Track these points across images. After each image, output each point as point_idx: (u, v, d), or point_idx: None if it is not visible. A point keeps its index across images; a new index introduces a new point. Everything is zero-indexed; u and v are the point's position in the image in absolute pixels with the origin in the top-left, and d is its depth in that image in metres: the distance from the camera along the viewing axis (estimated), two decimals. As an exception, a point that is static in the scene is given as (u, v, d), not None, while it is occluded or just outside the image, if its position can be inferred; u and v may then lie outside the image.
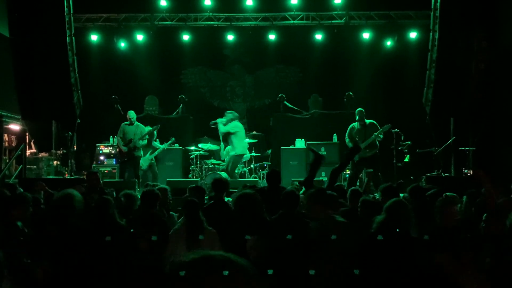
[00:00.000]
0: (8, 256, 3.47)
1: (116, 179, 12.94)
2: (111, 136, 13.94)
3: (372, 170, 10.46)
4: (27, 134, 14.25)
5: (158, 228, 5.16)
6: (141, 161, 12.50)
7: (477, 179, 5.76)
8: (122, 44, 15.83)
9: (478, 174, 5.71)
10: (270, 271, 1.87)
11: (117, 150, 12.80)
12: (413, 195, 6.27)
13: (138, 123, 12.35)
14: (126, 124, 12.26)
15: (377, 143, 11.26)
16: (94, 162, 14.22)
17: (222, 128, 12.26)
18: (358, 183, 11.57)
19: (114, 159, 13.77)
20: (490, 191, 5.48)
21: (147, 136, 12.33)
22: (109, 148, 13.98)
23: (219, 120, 12.50)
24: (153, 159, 12.90)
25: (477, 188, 6.60)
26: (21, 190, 7.43)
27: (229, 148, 12.55)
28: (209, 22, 15.64)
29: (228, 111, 12.77)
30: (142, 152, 12.33)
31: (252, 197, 5.11)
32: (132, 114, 12.36)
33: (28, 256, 4.20)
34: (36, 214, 5.51)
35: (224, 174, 12.69)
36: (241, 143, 12.33)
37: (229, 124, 12.31)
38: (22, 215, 5.03)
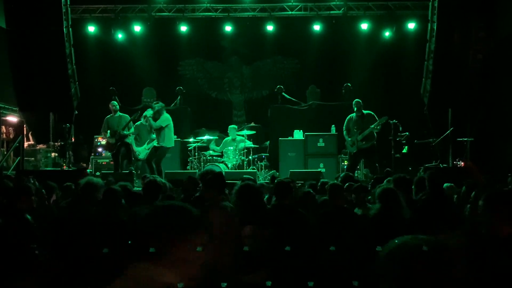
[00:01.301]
0: (21, 250, 3.43)
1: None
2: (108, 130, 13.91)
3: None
4: (24, 126, 14.22)
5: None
6: (139, 150, 12.47)
7: (468, 169, 5.82)
8: (120, 36, 15.78)
9: (468, 165, 5.79)
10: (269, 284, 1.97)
11: (106, 143, 12.71)
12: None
13: (122, 114, 12.20)
14: (109, 117, 12.08)
15: (375, 134, 11.28)
16: (92, 154, 14.21)
17: (154, 125, 11.87)
18: (356, 174, 11.60)
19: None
20: (480, 181, 5.56)
21: (131, 124, 12.10)
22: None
23: (148, 113, 11.98)
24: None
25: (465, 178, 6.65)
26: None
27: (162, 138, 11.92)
28: (206, 13, 15.60)
29: (155, 102, 12.29)
30: (132, 139, 12.23)
31: (255, 188, 5.19)
32: (114, 104, 12.22)
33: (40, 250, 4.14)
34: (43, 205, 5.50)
35: (222, 166, 12.69)
36: (170, 135, 12.03)
37: (160, 118, 11.95)
38: (27, 207, 4.90)
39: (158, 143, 11.91)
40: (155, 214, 1.98)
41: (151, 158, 11.96)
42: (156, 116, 11.86)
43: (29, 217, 4.64)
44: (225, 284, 2.93)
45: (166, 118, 11.96)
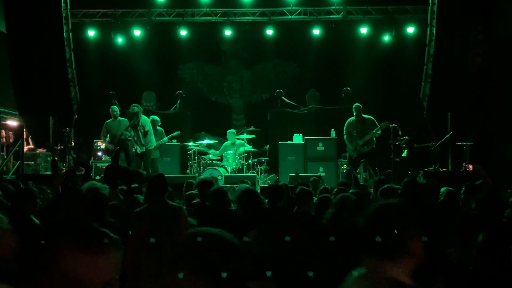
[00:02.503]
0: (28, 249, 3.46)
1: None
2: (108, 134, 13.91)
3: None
4: (24, 130, 14.23)
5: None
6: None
7: (475, 172, 5.83)
8: (119, 40, 15.80)
9: (476, 167, 5.80)
10: (268, 273, 2.04)
11: (104, 148, 12.69)
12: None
13: (122, 118, 12.19)
14: (109, 121, 12.10)
15: (374, 139, 11.30)
16: (92, 158, 14.21)
17: (145, 139, 11.77)
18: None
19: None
20: (488, 182, 5.58)
21: (130, 128, 12.05)
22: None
23: (132, 123, 11.86)
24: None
25: (473, 181, 6.63)
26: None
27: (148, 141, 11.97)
28: (206, 18, 15.62)
29: (133, 105, 12.22)
30: (130, 143, 12.24)
31: (255, 193, 5.23)
32: (115, 109, 12.22)
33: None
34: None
35: (222, 170, 12.70)
36: (151, 136, 12.04)
37: (146, 125, 11.91)
38: (31, 209, 4.96)
39: (141, 148, 11.86)
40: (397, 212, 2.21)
41: (138, 164, 11.94)
42: (134, 118, 11.76)
43: (34, 218, 4.67)
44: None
45: (146, 122, 11.96)
